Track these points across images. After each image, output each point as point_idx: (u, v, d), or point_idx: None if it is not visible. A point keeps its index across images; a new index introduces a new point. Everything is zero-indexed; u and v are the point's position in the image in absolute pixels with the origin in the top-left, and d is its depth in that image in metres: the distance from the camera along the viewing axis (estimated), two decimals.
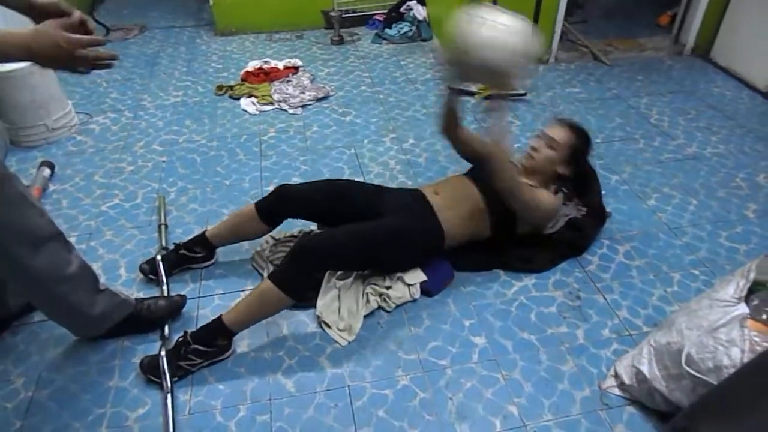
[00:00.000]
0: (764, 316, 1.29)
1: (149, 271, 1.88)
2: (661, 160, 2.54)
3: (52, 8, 1.22)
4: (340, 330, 1.70)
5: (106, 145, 2.68)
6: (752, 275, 1.35)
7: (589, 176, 2.09)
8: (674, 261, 1.99)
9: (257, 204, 1.86)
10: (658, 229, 2.13)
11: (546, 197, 1.87)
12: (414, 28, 3.77)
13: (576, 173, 1.95)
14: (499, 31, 1.42)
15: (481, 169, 1.81)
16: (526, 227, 1.91)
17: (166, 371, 1.54)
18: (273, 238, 2.00)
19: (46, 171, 2.41)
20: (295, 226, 2.05)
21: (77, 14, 1.20)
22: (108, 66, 1.18)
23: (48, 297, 1.49)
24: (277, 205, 1.85)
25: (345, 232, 1.68)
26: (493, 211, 1.85)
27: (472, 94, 3.08)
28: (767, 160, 2.54)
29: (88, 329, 1.65)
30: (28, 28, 1.09)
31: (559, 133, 1.90)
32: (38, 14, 1.24)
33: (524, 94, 3.06)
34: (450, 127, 1.96)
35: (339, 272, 1.83)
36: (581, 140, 1.93)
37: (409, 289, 1.81)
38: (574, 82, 3.27)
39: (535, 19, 3.25)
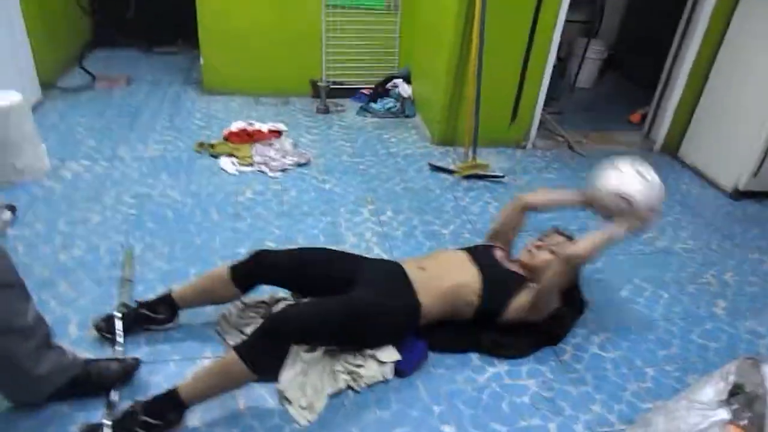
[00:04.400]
0: (745, 421, 1.26)
1: (104, 329, 1.76)
2: (632, 252, 2.58)
3: None
4: (302, 407, 1.59)
5: (75, 192, 2.60)
6: (732, 378, 1.33)
7: (579, 296, 2.08)
8: (648, 355, 1.96)
9: (232, 267, 1.79)
10: (631, 322, 2.12)
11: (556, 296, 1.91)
12: (399, 104, 3.88)
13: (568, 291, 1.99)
14: (655, 186, 1.80)
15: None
16: (511, 315, 1.87)
17: None
18: (242, 302, 1.91)
19: (7, 214, 2.30)
20: (264, 292, 1.97)
21: None
22: None
23: None
24: (253, 271, 1.79)
25: (319, 304, 1.62)
26: (487, 290, 1.83)
27: (451, 172, 3.13)
28: (734, 258, 2.61)
29: (28, 393, 1.50)
30: None
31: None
32: None
33: (502, 176, 3.13)
34: (537, 206, 2.10)
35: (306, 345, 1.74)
36: None
37: (382, 368, 1.72)
38: (550, 168, 3.36)
39: (515, 107, 3.39)
